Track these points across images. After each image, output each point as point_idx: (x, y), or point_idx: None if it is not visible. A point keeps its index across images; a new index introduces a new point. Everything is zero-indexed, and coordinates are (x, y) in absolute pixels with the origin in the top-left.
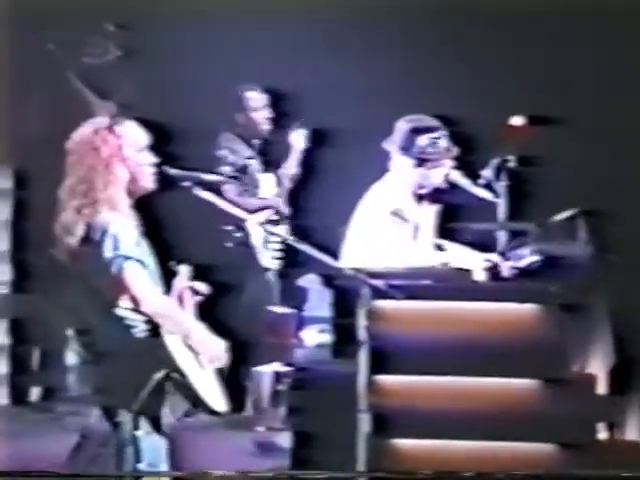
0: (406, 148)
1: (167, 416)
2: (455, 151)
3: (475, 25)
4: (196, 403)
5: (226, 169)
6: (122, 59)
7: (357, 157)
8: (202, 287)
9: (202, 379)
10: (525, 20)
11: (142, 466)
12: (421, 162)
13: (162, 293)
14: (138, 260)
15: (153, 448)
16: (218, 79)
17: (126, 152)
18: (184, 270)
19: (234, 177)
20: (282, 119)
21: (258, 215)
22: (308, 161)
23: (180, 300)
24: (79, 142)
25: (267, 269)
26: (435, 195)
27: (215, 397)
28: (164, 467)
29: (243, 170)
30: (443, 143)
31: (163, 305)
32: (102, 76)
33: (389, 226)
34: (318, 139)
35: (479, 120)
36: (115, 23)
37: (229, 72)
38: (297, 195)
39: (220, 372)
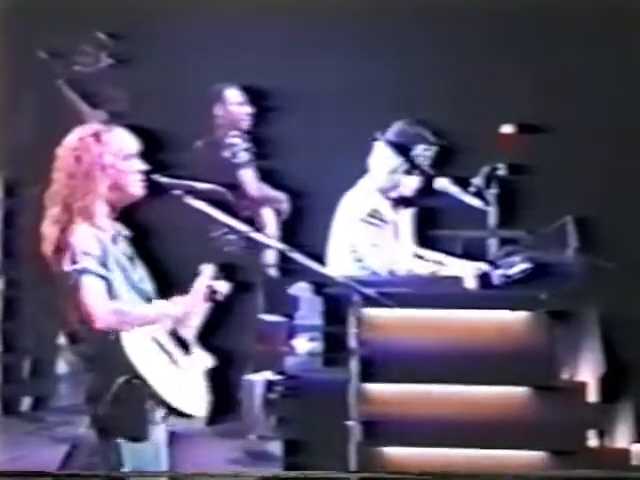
0: (394, 143)
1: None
2: (431, 172)
3: (466, 32)
4: (164, 407)
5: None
6: (113, 67)
7: (347, 162)
8: (223, 286)
9: (177, 381)
10: (516, 28)
11: (126, 470)
12: (404, 166)
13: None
14: (98, 274)
15: (137, 454)
16: (209, 86)
17: (108, 160)
18: (207, 270)
19: (228, 185)
20: (270, 121)
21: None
22: (299, 165)
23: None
24: (64, 149)
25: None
26: (409, 200)
27: (193, 400)
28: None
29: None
30: (426, 160)
31: (120, 314)
32: (93, 84)
33: (367, 228)
34: (308, 143)
35: (469, 128)
36: (106, 31)
37: (220, 78)
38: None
39: (208, 374)
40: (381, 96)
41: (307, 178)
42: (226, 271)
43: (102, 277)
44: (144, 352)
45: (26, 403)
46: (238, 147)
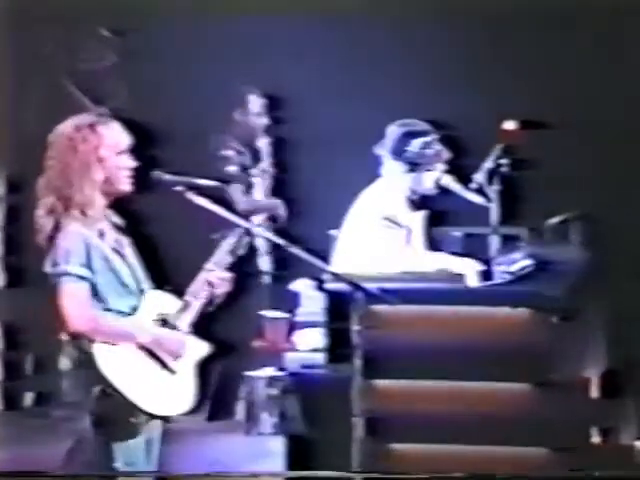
0: (398, 153)
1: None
2: (447, 155)
3: (467, 28)
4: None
5: (232, 169)
6: (117, 64)
7: (348, 161)
8: (225, 277)
9: (161, 385)
10: (518, 23)
11: (119, 465)
12: (413, 166)
13: (136, 297)
14: (79, 276)
15: (130, 448)
16: (213, 82)
17: (103, 153)
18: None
19: (229, 181)
20: (275, 122)
21: (252, 219)
22: (300, 164)
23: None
24: (58, 137)
25: (260, 272)
26: (426, 200)
27: (175, 401)
28: (143, 467)
29: (246, 172)
30: (435, 147)
31: (95, 322)
32: (97, 81)
33: (382, 231)
34: (309, 143)
35: (471, 124)
36: (110, 28)
37: (224, 75)
38: (289, 199)
39: (207, 374)
40: (385, 94)
41: (313, 179)
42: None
43: (83, 279)
44: (124, 360)
45: (29, 398)
46: (231, 160)
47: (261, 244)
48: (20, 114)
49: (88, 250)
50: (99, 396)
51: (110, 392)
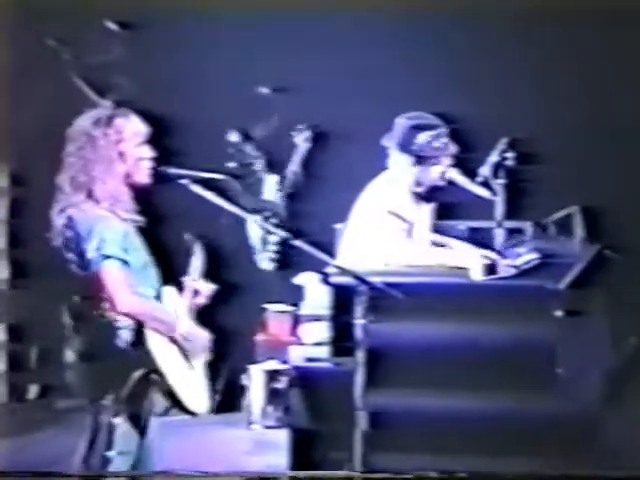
0: (405, 145)
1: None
2: (454, 149)
3: (474, 22)
4: (173, 403)
5: (232, 165)
6: (124, 57)
7: (356, 155)
8: (206, 287)
9: (186, 379)
10: (525, 18)
11: (112, 453)
12: (420, 160)
13: (155, 290)
14: (120, 259)
15: (126, 437)
16: (222, 76)
17: (124, 146)
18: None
19: (235, 176)
20: (284, 118)
21: (257, 213)
22: (307, 159)
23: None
24: (77, 133)
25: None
26: (432, 193)
27: (197, 398)
28: (133, 457)
29: (248, 168)
30: (442, 141)
31: (141, 305)
32: (103, 74)
33: (387, 225)
34: (317, 137)
35: (477, 118)
36: (117, 21)
37: (233, 69)
38: (296, 193)
39: (212, 368)
40: (392, 88)
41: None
42: (231, 260)
43: (124, 262)
44: (163, 347)
45: (33, 391)
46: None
47: (265, 238)
48: (24, 108)
49: (126, 236)
50: (142, 378)
51: (153, 377)
